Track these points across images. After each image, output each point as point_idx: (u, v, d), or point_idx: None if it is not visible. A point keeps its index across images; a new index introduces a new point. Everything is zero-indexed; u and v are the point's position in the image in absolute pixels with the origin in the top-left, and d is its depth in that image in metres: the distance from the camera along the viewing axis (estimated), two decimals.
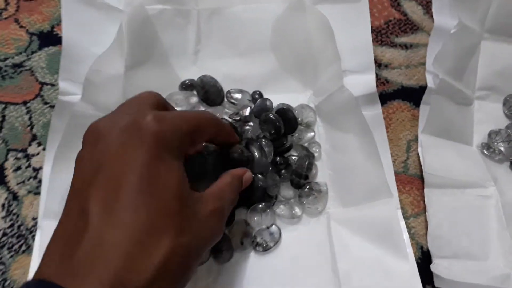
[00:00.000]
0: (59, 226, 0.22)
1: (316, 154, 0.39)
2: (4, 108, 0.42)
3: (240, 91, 0.42)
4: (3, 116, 0.41)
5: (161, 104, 0.28)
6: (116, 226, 0.20)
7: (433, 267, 0.34)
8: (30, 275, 0.35)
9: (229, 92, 0.42)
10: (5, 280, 0.35)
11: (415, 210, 0.38)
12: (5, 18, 0.46)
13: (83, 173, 0.23)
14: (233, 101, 0.41)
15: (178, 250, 0.22)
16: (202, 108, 0.42)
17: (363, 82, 0.39)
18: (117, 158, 0.22)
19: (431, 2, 0.45)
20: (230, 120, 0.39)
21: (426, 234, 0.37)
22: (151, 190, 0.22)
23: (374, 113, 0.39)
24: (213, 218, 0.26)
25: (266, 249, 0.35)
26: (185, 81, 0.42)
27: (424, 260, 0.36)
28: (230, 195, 0.29)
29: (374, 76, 0.39)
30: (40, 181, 0.38)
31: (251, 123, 0.40)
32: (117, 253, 0.20)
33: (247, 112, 0.40)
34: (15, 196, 0.38)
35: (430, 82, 0.41)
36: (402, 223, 0.35)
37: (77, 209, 0.21)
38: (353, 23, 0.40)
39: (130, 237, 0.20)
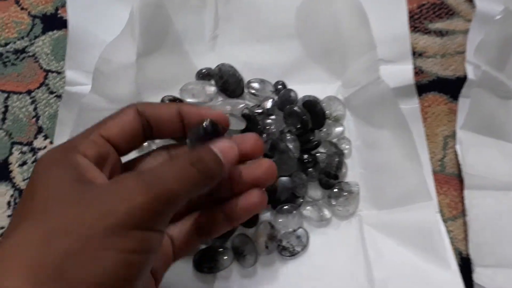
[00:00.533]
0: None
1: (345, 151, 0.36)
2: (7, 98, 0.39)
3: (261, 81, 0.38)
4: (6, 107, 0.38)
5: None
6: None
7: (475, 277, 0.31)
8: None
9: (249, 82, 0.38)
10: None
11: (453, 213, 0.35)
12: (5, 0, 0.42)
13: None
14: (254, 92, 0.38)
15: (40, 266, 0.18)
16: (220, 99, 0.39)
17: (399, 72, 0.35)
18: None
19: None
20: (250, 113, 0.36)
21: (465, 238, 0.34)
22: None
23: (411, 107, 0.35)
24: (129, 196, 0.20)
25: (293, 254, 0.33)
26: (201, 69, 0.39)
27: (463, 267, 0.33)
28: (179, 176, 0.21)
29: (411, 66, 0.36)
30: None
31: (273, 116, 0.37)
32: None
33: (269, 104, 0.37)
34: (21, 194, 0.36)
35: (471, 73, 0.37)
36: (443, 228, 0.32)
37: None
38: (388, 7, 0.37)
39: None
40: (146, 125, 0.24)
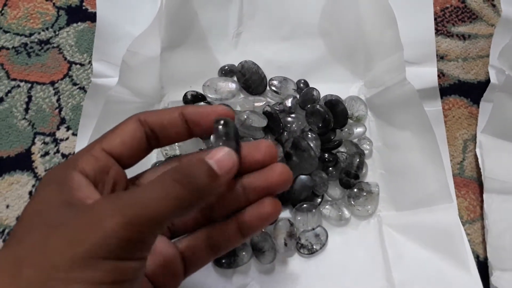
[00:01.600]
0: None
1: (366, 152, 0.36)
2: (31, 88, 0.39)
3: (284, 79, 0.38)
4: (29, 97, 0.39)
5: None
6: None
7: (493, 279, 0.31)
8: None
9: (272, 80, 0.38)
10: None
11: (471, 216, 0.35)
12: None
13: None
14: (276, 90, 0.38)
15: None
16: (241, 96, 0.39)
17: (423, 75, 0.36)
18: None
19: None
20: (272, 111, 0.36)
21: (482, 242, 0.34)
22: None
23: (434, 109, 0.35)
24: (105, 223, 0.18)
25: (311, 252, 0.33)
26: (224, 66, 0.39)
27: (480, 271, 0.33)
28: (161, 194, 0.19)
29: (436, 68, 0.36)
30: None
31: (294, 115, 0.37)
32: None
33: (291, 102, 0.37)
34: None
35: (494, 77, 0.37)
36: (463, 231, 0.33)
37: None
38: (414, 8, 0.37)
39: None
40: (150, 133, 0.23)
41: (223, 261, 0.33)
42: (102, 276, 0.17)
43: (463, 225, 0.35)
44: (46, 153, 0.37)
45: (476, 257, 0.34)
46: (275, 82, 0.38)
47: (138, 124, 0.22)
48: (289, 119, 0.37)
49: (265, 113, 0.36)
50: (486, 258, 0.33)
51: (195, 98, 0.38)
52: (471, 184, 0.36)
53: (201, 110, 0.23)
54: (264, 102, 0.38)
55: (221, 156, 0.20)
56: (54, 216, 0.18)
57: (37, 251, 0.17)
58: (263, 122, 0.35)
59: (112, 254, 0.17)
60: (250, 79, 0.38)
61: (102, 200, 0.19)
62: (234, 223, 0.24)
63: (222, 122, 0.22)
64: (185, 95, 0.38)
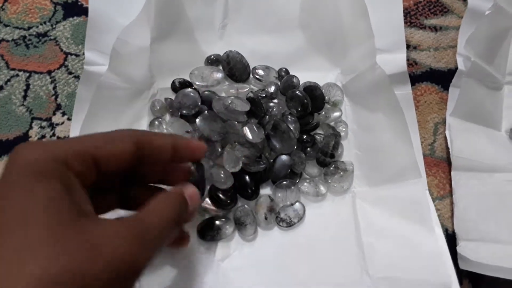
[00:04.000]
0: None
1: (342, 134, 0.38)
2: (29, 77, 0.42)
3: (266, 67, 0.41)
4: (28, 85, 0.41)
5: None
6: None
7: (459, 249, 0.33)
8: None
9: (255, 68, 0.41)
10: None
11: (441, 193, 0.38)
12: None
13: None
14: (259, 77, 0.41)
15: (47, 278, 0.17)
16: (226, 84, 0.41)
17: (394, 61, 0.38)
18: None
19: None
20: (254, 96, 0.38)
21: (451, 217, 0.36)
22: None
23: (404, 93, 0.38)
24: (119, 241, 0.20)
25: (290, 225, 0.35)
26: (210, 56, 0.42)
27: (448, 242, 0.35)
28: (160, 216, 0.23)
29: (405, 55, 0.39)
30: None
31: (276, 100, 0.39)
32: None
33: (272, 89, 0.40)
34: None
35: (461, 64, 0.40)
36: (431, 203, 0.35)
37: None
38: (385, 1, 0.39)
39: None
40: (139, 152, 0.24)
41: (207, 234, 0.35)
42: None
43: (433, 201, 0.37)
44: (43, 137, 0.39)
45: (445, 230, 0.36)
46: (258, 71, 0.41)
47: (133, 145, 0.24)
48: (271, 104, 0.39)
49: (248, 99, 0.38)
50: (454, 231, 0.35)
51: (183, 85, 0.40)
52: (441, 164, 0.39)
53: (190, 146, 0.27)
54: (247, 89, 0.41)
55: (193, 193, 0.27)
56: (69, 221, 0.19)
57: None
58: (246, 107, 0.38)
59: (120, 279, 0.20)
60: (235, 68, 0.41)
61: (113, 224, 0.21)
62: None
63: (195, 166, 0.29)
64: (173, 82, 0.40)
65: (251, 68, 0.41)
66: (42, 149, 0.20)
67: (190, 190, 0.27)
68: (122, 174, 0.26)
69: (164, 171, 0.29)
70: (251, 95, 0.38)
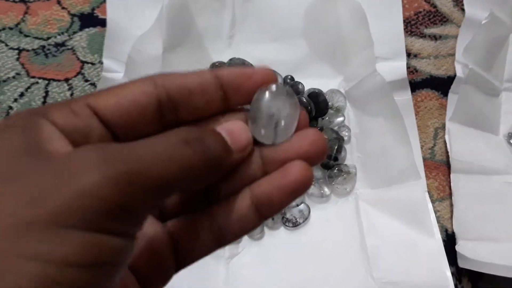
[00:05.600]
0: None
1: (345, 138, 0.40)
2: (47, 84, 0.44)
3: None
4: (46, 92, 0.44)
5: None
6: None
7: (458, 248, 0.35)
8: None
9: None
10: None
11: (441, 195, 0.39)
12: (48, 0, 0.48)
13: None
14: None
15: None
16: None
17: (394, 68, 0.40)
18: None
19: None
20: None
21: (451, 218, 0.38)
22: None
23: (404, 98, 0.40)
24: (84, 171, 0.13)
25: (295, 225, 0.37)
26: (215, 62, 0.44)
27: (448, 243, 0.37)
28: (163, 152, 0.14)
29: (405, 62, 0.40)
30: None
31: None
32: None
33: None
34: None
35: (459, 71, 0.42)
36: (430, 204, 0.36)
37: None
38: (385, 12, 0.41)
39: None
40: (167, 101, 0.16)
41: None
42: (68, 253, 0.12)
43: (433, 202, 0.39)
44: None
45: (445, 231, 0.38)
46: None
47: (150, 87, 0.16)
48: None
49: None
50: (453, 232, 0.36)
51: None
52: (441, 167, 0.40)
53: (242, 71, 0.17)
54: None
55: (237, 129, 0.17)
56: (13, 167, 0.13)
57: None
58: None
59: (88, 223, 0.12)
60: None
61: (82, 148, 0.13)
62: (246, 199, 0.17)
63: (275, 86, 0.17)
64: None
65: None
66: (25, 110, 0.15)
67: (231, 126, 0.17)
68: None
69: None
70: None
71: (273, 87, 0.17)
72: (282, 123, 0.17)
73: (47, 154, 0.14)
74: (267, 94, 0.17)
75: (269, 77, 0.17)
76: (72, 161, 0.13)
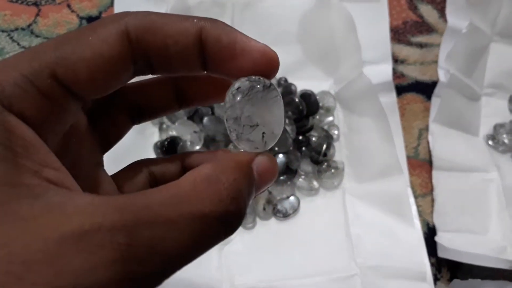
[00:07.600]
0: None
1: (335, 136, 0.43)
2: None
3: None
4: None
5: None
6: None
7: (437, 238, 0.37)
8: None
9: None
10: None
11: (423, 191, 0.42)
12: (59, 3, 0.51)
13: None
14: None
15: None
16: None
17: (380, 72, 0.43)
18: None
19: (446, 6, 0.49)
20: None
21: (432, 212, 0.40)
22: None
23: (389, 100, 0.42)
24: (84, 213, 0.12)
25: (285, 215, 0.39)
26: None
27: (429, 235, 0.39)
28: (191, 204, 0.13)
29: (391, 66, 0.43)
30: None
31: None
32: None
33: None
34: None
35: (442, 77, 0.45)
36: (411, 197, 0.39)
37: None
38: (373, 20, 0.45)
39: None
40: (138, 49, 0.14)
41: None
42: None
43: (416, 198, 0.41)
44: None
45: (426, 224, 0.40)
46: None
47: (122, 33, 0.14)
48: None
49: None
50: (434, 225, 0.39)
51: None
52: (424, 165, 0.43)
53: (233, 42, 0.15)
54: None
55: (267, 172, 0.15)
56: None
57: None
58: None
59: None
60: None
61: (80, 199, 0.12)
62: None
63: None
64: None
65: None
66: None
67: (262, 161, 0.15)
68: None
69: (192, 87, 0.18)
70: None
71: (246, 86, 0.14)
72: (269, 130, 0.14)
73: (28, 181, 0.12)
74: (243, 100, 0.14)
75: (268, 61, 0.15)
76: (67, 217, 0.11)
